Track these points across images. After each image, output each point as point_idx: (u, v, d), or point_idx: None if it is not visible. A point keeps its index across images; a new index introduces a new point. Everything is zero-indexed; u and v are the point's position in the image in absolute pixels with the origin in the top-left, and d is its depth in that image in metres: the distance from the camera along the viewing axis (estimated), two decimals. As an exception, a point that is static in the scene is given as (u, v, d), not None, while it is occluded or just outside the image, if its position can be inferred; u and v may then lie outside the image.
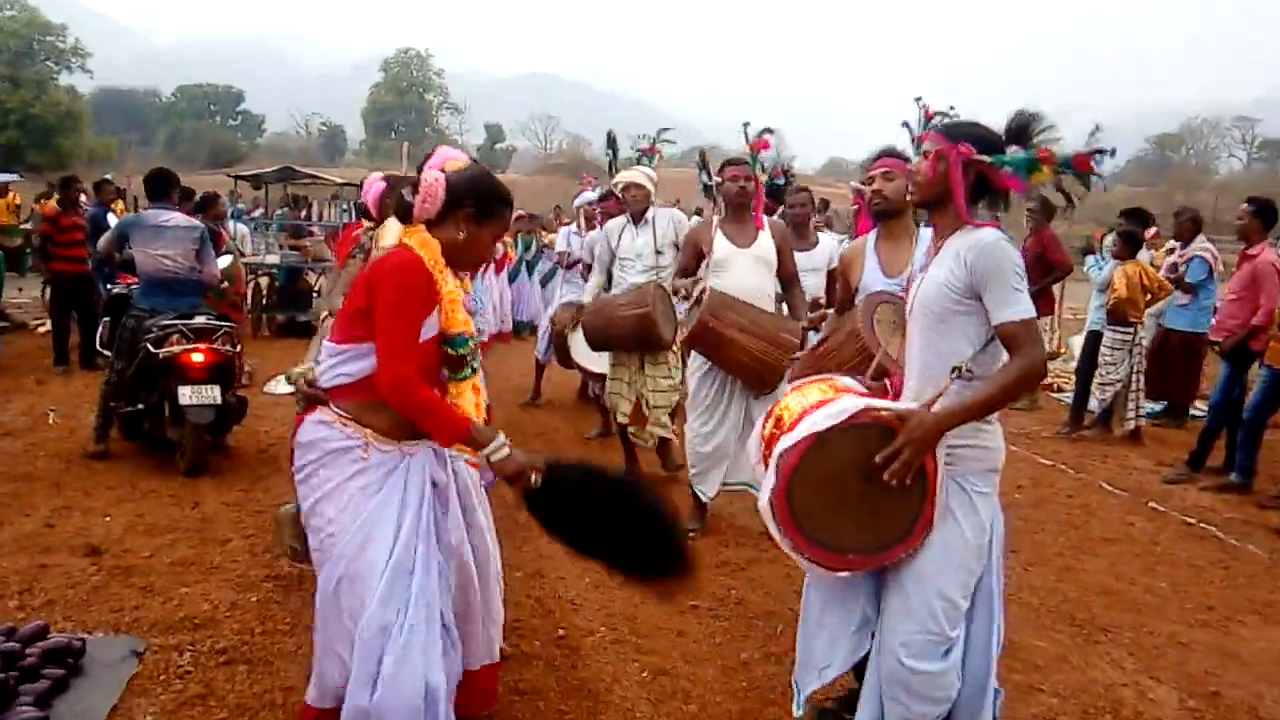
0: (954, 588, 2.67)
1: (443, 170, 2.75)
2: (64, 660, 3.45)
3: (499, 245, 10.08)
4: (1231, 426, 6.71)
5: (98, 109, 71.98)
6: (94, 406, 6.97)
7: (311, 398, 2.87)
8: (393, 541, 2.65)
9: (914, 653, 2.65)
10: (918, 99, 3.42)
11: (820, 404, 2.68)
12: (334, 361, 2.72)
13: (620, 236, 6.10)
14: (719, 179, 5.14)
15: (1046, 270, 8.81)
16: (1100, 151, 2.68)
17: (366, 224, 3.98)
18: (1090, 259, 8.19)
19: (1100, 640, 4.13)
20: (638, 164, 6.28)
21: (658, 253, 5.92)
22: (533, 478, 2.68)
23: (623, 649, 3.90)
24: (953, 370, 2.65)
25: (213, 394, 5.89)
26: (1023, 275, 2.62)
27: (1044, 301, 9.11)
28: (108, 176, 11.17)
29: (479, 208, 2.74)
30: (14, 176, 19.71)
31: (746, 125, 5.22)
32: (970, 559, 2.70)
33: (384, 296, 2.60)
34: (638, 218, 6.02)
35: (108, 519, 5.21)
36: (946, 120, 2.99)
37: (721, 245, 5.02)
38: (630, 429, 6.06)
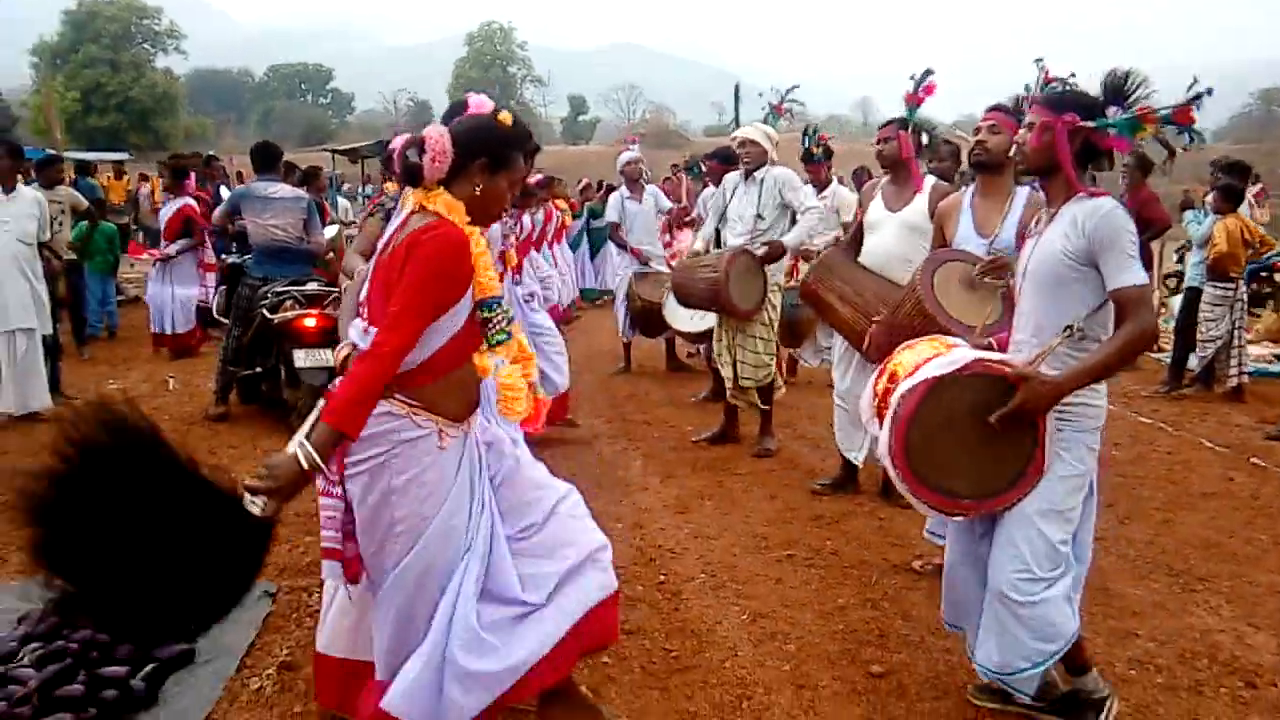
0: (1053, 530, 2.80)
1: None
2: (205, 599, 3.73)
3: (555, 213, 10.08)
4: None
5: (192, 90, 74.00)
6: (210, 373, 7.35)
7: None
8: (468, 530, 2.59)
9: (1020, 591, 2.79)
10: (1038, 60, 3.43)
11: (934, 356, 2.82)
12: None
13: (733, 193, 6.05)
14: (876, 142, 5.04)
15: (1144, 227, 8.66)
16: (1198, 97, 2.72)
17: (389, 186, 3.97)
18: (1189, 214, 8.04)
19: (1197, 589, 4.15)
20: (764, 122, 6.13)
21: (758, 216, 5.84)
22: (258, 502, 2.55)
23: (723, 594, 4.05)
24: (1065, 329, 2.76)
25: (326, 357, 6.16)
26: (1137, 243, 2.73)
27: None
28: (215, 155, 11.59)
29: (492, 158, 2.59)
30: (126, 155, 20.46)
31: (921, 75, 5.03)
32: (1070, 505, 2.84)
33: (416, 271, 2.42)
34: (749, 174, 5.95)
35: (231, 475, 5.51)
36: (1047, 90, 3.01)
37: (875, 207, 4.97)
38: (730, 395, 6.08)
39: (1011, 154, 3.15)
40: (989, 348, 3.04)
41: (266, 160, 6.99)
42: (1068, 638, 2.85)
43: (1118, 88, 2.79)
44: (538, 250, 9.93)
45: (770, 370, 5.98)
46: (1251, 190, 27.89)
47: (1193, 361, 7.96)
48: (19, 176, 6.75)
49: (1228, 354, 7.76)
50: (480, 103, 2.93)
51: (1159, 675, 3.40)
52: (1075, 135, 2.81)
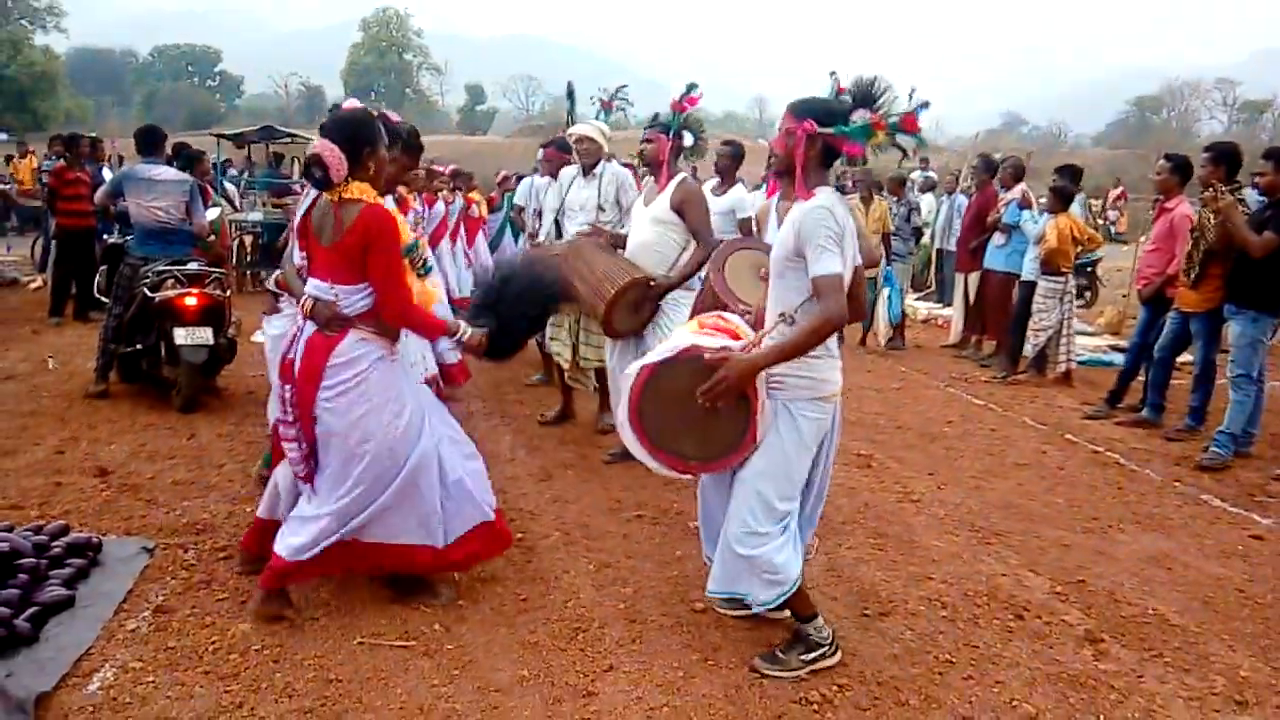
0: (771, 489, 3.20)
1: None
2: (84, 553, 3.99)
3: (471, 207, 10.31)
4: (1148, 367, 7.27)
5: (73, 70, 71.15)
6: (90, 354, 7.46)
7: (335, 320, 3.46)
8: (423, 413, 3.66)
9: (741, 543, 3.22)
10: (832, 73, 3.83)
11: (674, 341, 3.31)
12: (356, 296, 3.45)
13: (570, 186, 6.31)
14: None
15: (984, 224, 9.41)
16: (923, 107, 3.15)
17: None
18: (1026, 213, 8.73)
19: (992, 542, 4.72)
20: (595, 119, 6.52)
21: (600, 208, 6.07)
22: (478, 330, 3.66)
23: (573, 549, 4.45)
24: (780, 315, 3.18)
25: (206, 335, 6.38)
26: (835, 238, 3.04)
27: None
28: (98, 137, 11.54)
29: (371, 143, 3.45)
30: (3, 136, 19.92)
31: (694, 87, 5.65)
32: (789, 469, 3.22)
33: (377, 244, 3.35)
34: (587, 170, 6.17)
35: (112, 446, 5.73)
36: (797, 100, 3.30)
37: (638, 203, 5.59)
38: (569, 375, 6.28)
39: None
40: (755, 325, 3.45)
41: (150, 143, 7.12)
42: (791, 581, 3.25)
43: (865, 93, 3.16)
44: (452, 242, 10.12)
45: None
46: (1113, 193, 29.37)
47: (1028, 349, 8.64)
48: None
49: (1058, 342, 8.47)
50: (352, 105, 3.82)
51: (944, 610, 3.92)
52: (814, 140, 3.14)
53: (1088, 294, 12.94)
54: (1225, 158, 6.50)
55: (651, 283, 5.20)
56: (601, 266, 5.17)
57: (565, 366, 6.23)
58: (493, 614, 3.74)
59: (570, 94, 7.01)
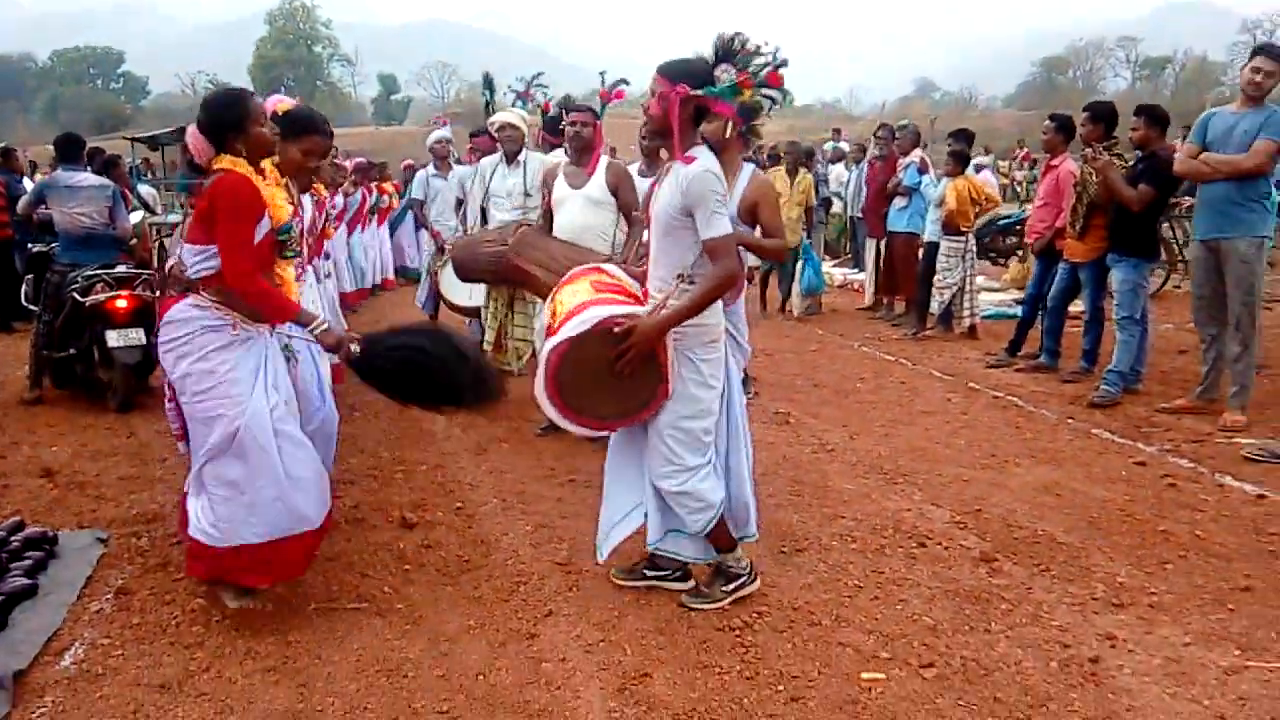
0: (693, 424, 3.44)
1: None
2: (41, 546, 4.17)
3: (375, 195, 10.47)
4: (1044, 316, 7.74)
5: (-32, 77, 69.15)
6: (18, 363, 7.57)
7: (180, 283, 3.50)
8: (264, 392, 3.47)
9: (663, 476, 3.48)
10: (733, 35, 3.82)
11: (578, 308, 3.42)
12: (199, 259, 3.39)
13: (493, 175, 6.40)
14: (565, 124, 5.66)
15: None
16: (783, 64, 3.41)
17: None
18: (926, 177, 9.16)
19: (898, 482, 5.10)
20: (513, 106, 6.69)
21: (526, 194, 6.22)
22: (352, 347, 3.45)
23: (511, 513, 4.74)
24: (677, 276, 3.38)
25: (138, 336, 6.51)
26: (722, 200, 3.24)
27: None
28: (11, 146, 11.45)
29: (233, 126, 3.43)
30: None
31: (603, 73, 5.93)
32: (701, 407, 3.45)
33: (223, 208, 3.30)
34: (511, 158, 6.32)
35: (54, 449, 5.86)
36: (667, 61, 3.41)
37: (560, 186, 5.57)
38: (492, 357, 6.19)
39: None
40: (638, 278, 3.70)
41: (70, 151, 7.21)
42: (717, 506, 3.53)
43: (727, 49, 3.30)
44: (350, 231, 10.32)
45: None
46: (1020, 154, 30.27)
47: (934, 306, 9.09)
48: None
49: (962, 298, 8.93)
50: (277, 100, 4.07)
51: (853, 543, 4.29)
52: (687, 103, 3.24)
53: (1017, 254, 13.38)
54: (1102, 117, 6.96)
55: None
56: (561, 253, 5.22)
57: (488, 347, 6.27)
58: (438, 575, 4.01)
59: (488, 83, 7.18)
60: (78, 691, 3.15)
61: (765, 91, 3.45)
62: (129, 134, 18.02)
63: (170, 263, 3.58)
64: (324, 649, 3.39)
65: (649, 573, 3.84)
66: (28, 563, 3.98)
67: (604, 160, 5.56)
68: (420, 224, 9.22)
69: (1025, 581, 3.90)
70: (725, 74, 3.26)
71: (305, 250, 4.54)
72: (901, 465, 5.38)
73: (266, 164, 3.72)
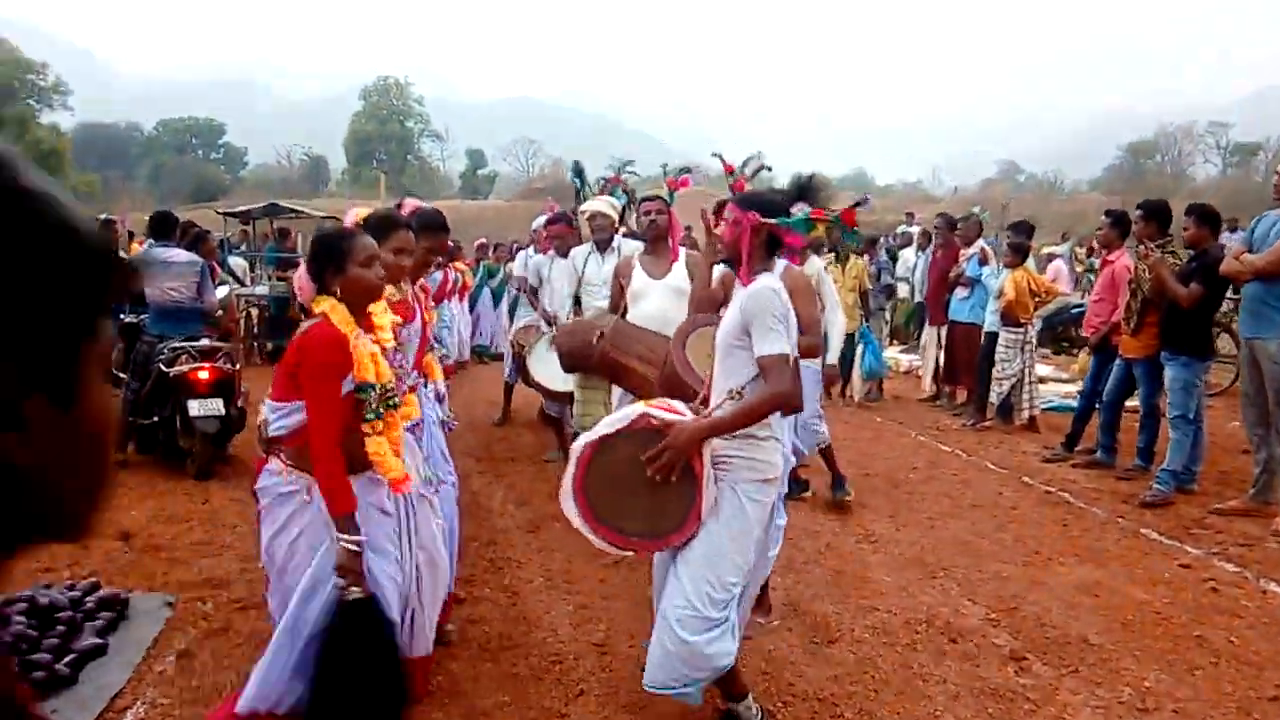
0: (716, 576, 3.15)
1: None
2: (113, 607, 4.45)
3: (454, 274, 10.86)
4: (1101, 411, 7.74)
5: (79, 145, 72.12)
6: (109, 425, 7.93)
7: (265, 444, 3.29)
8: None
9: (682, 625, 3.14)
10: (715, 154, 3.93)
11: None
12: (275, 417, 3.21)
13: (586, 263, 6.44)
14: (638, 213, 5.69)
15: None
16: (859, 204, 3.65)
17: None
18: (986, 269, 9.26)
19: (938, 576, 5.17)
20: (601, 194, 6.73)
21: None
22: (355, 589, 3.09)
23: (555, 591, 4.91)
24: (729, 392, 3.28)
25: (217, 406, 6.89)
26: (781, 319, 3.17)
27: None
28: (111, 217, 12.15)
29: (332, 264, 3.22)
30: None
31: (664, 166, 6.16)
32: (736, 554, 3.19)
33: (309, 370, 3.08)
34: (603, 246, 6.31)
35: (134, 512, 6.21)
36: (741, 194, 3.65)
37: (638, 277, 5.35)
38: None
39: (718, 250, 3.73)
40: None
41: (164, 228, 7.70)
42: (718, 669, 3.21)
43: (804, 188, 3.56)
44: (437, 303, 10.70)
45: None
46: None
47: (993, 397, 9.11)
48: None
49: (1021, 390, 8.95)
50: (414, 205, 4.20)
51: (885, 637, 4.37)
52: (758, 230, 3.37)
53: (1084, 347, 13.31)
54: (1155, 214, 7.04)
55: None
56: (659, 345, 5.01)
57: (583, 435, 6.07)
58: (480, 650, 4.19)
59: (578, 171, 7.31)
60: (137, 748, 3.38)
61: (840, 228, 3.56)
62: (222, 208, 18.88)
63: (259, 419, 3.36)
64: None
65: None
66: (100, 623, 4.26)
67: (682, 251, 5.49)
68: (531, 302, 9.47)
69: (1053, 682, 3.95)
70: (801, 210, 3.42)
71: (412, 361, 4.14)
72: (943, 559, 5.44)
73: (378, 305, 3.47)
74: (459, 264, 13.77)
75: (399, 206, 4.11)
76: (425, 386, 4.26)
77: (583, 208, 6.67)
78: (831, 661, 4.11)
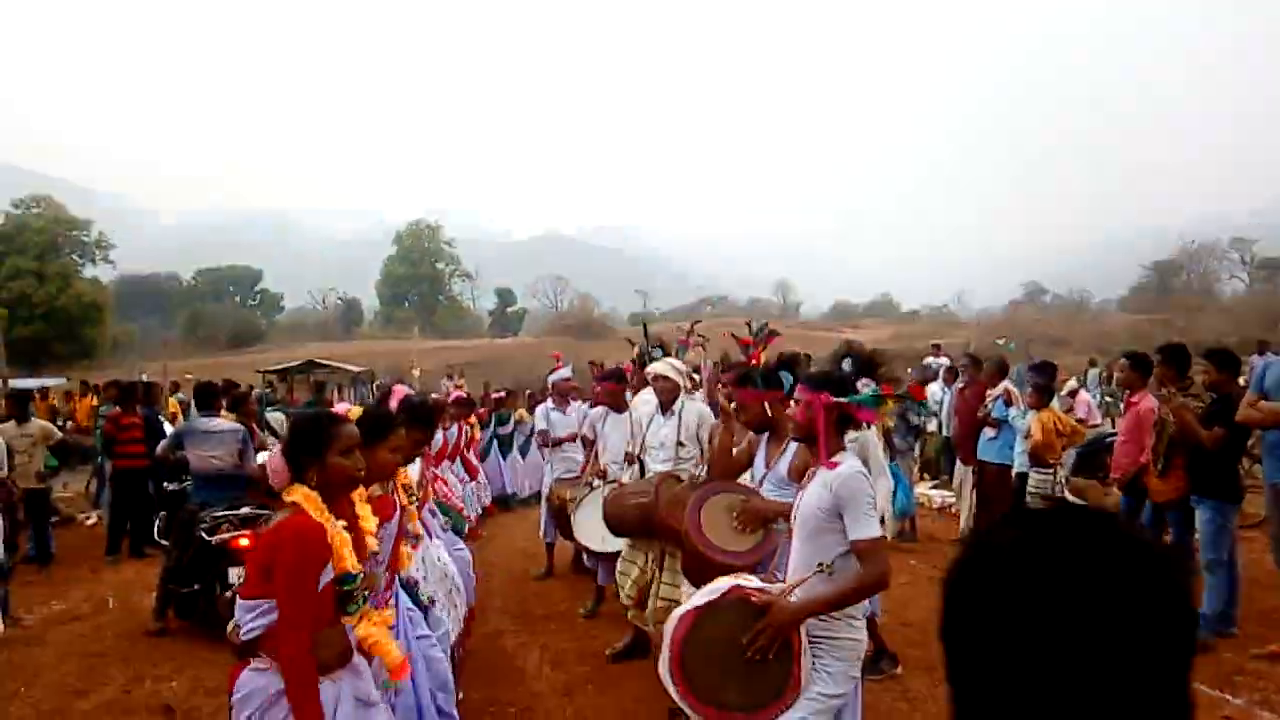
0: None
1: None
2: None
3: (465, 429, 11.04)
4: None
5: (119, 296, 73.57)
6: (146, 590, 8.11)
7: (239, 649, 3.08)
8: None
9: None
10: (732, 333, 4.03)
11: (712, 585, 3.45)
12: (253, 616, 2.98)
13: (649, 424, 6.50)
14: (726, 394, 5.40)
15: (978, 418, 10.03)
16: (925, 382, 3.79)
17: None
18: (1012, 410, 9.36)
19: None
20: (674, 355, 6.88)
21: (679, 444, 6.17)
22: None
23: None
24: (818, 565, 3.37)
25: (258, 574, 7.01)
26: (874, 503, 3.35)
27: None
28: (152, 379, 12.56)
29: (311, 450, 3.17)
30: (61, 380, 21.29)
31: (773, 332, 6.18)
32: None
33: (281, 560, 2.93)
34: (666, 407, 6.35)
35: (174, 684, 6.29)
36: (810, 375, 3.73)
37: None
38: (631, 611, 6.16)
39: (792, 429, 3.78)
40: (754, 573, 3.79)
41: (206, 399, 8.02)
42: None
43: (866, 363, 3.73)
44: (451, 461, 10.90)
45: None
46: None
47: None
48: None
49: (1054, 530, 8.92)
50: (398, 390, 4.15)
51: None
52: (831, 409, 3.49)
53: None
54: (1174, 359, 7.14)
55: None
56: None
57: (628, 601, 6.11)
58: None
59: (645, 332, 7.47)
60: None
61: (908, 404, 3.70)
62: (261, 368, 19.45)
63: (229, 626, 3.16)
64: None
65: None
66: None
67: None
68: (540, 446, 9.56)
69: None
70: (867, 387, 3.56)
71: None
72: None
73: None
74: (471, 419, 13.99)
75: (388, 395, 4.20)
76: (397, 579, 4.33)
77: (649, 370, 6.68)
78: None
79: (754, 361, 6.11)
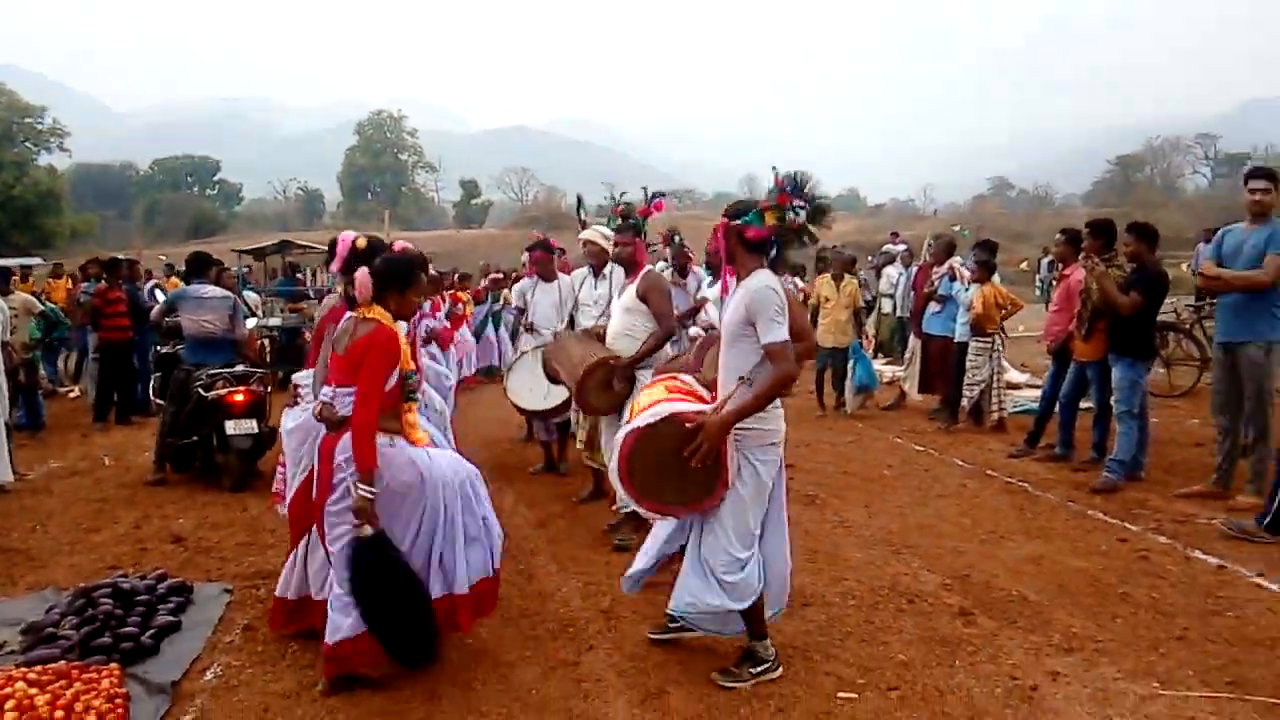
0: (741, 524, 3.93)
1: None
2: (181, 593, 5.12)
3: (458, 305, 11.51)
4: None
5: (75, 185, 72.37)
6: (139, 451, 8.67)
7: (336, 422, 4.00)
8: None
9: (722, 568, 3.94)
10: (774, 168, 4.11)
11: (651, 404, 4.01)
12: (349, 398, 3.93)
13: (582, 285, 7.17)
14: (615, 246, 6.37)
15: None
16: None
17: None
18: (955, 285, 9.97)
19: (902, 553, 5.84)
20: (605, 224, 7.14)
21: (610, 303, 6.67)
22: (368, 529, 3.84)
23: (565, 574, 5.58)
24: (739, 379, 3.90)
25: (252, 425, 7.59)
26: (780, 310, 3.73)
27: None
28: (131, 258, 12.90)
29: (399, 284, 4.11)
30: (37, 260, 21.44)
31: (645, 188, 6.69)
32: (755, 506, 3.95)
33: (371, 360, 3.88)
34: (597, 271, 6.98)
35: (180, 520, 6.87)
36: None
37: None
38: (585, 454, 6.88)
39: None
40: (707, 386, 4.31)
41: (199, 267, 8.42)
42: (758, 590, 3.99)
43: (795, 184, 3.89)
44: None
45: None
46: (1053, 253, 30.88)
47: (965, 401, 9.80)
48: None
49: (990, 395, 9.65)
50: (403, 246, 4.69)
51: (852, 600, 5.05)
52: (729, 232, 3.94)
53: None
54: (1101, 232, 7.76)
55: (613, 361, 5.91)
56: (577, 353, 6.08)
57: (581, 447, 6.90)
58: (501, 620, 4.84)
59: (579, 203, 7.95)
60: (219, 697, 4.06)
61: (796, 215, 3.90)
62: (237, 247, 19.69)
63: (316, 406, 4.16)
64: (411, 671, 4.25)
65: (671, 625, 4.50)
66: (171, 605, 4.94)
67: (643, 271, 6.17)
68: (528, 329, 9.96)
69: (994, 631, 4.62)
70: (804, 209, 3.89)
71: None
72: (909, 539, 6.12)
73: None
74: (461, 294, 14.49)
75: (389, 247, 4.67)
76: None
77: (579, 235, 7.20)
78: (805, 619, 4.78)
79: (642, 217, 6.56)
